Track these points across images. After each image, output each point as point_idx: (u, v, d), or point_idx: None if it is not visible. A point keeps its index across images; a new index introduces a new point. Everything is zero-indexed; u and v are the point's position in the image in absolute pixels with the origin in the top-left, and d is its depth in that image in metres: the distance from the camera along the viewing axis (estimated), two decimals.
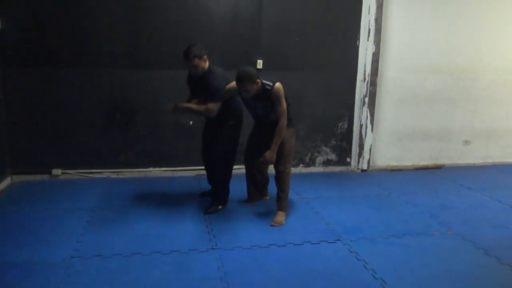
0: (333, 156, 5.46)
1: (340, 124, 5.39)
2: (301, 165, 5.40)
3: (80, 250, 3.14)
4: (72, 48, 4.56)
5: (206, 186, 4.47)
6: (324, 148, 5.41)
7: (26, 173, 4.72)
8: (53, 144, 4.72)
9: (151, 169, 4.98)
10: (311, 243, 3.36)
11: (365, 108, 5.32)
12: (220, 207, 3.96)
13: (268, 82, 3.49)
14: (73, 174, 4.82)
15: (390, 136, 5.57)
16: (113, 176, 4.90)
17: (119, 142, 4.86)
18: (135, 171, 4.95)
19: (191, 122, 3.90)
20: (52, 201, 4.13)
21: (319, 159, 5.44)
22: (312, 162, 5.43)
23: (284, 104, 3.50)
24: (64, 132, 4.72)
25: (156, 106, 4.80)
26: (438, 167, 5.74)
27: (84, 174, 4.84)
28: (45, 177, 4.77)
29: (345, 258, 3.15)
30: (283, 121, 3.49)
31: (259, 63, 4.92)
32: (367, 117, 5.33)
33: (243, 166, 4.14)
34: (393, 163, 5.66)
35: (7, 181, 4.58)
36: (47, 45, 4.51)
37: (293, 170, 5.31)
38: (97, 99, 4.73)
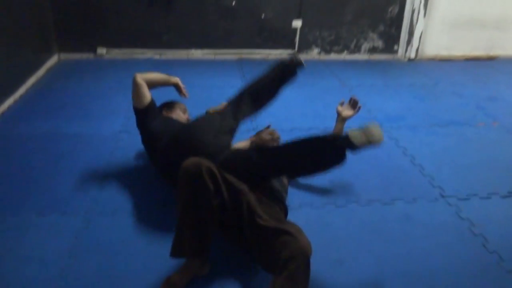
0: (379, 43, 5.23)
1: (390, 9, 5.06)
2: (345, 51, 5.23)
3: (128, 125, 3.28)
4: None
5: (247, 71, 4.44)
6: (371, 34, 5.16)
7: (72, 51, 4.81)
8: (97, 23, 4.72)
9: (192, 50, 4.95)
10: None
11: None
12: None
13: None
14: (117, 53, 4.87)
15: (442, 23, 5.22)
16: (156, 57, 4.92)
17: (161, 22, 4.79)
18: (177, 52, 4.93)
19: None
20: (99, 79, 4.25)
21: (365, 46, 5.22)
22: (357, 49, 5.24)
23: None
24: (108, 10, 4.68)
25: None
26: (490, 58, 5.42)
27: (128, 54, 4.89)
28: (90, 56, 4.85)
29: (385, 144, 3.11)
30: None
31: None
32: (420, 1, 4.96)
33: None
34: (443, 52, 5.38)
35: (54, 58, 4.70)
36: None
37: (337, 56, 5.19)
38: None
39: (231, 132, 2.43)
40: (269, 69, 2.63)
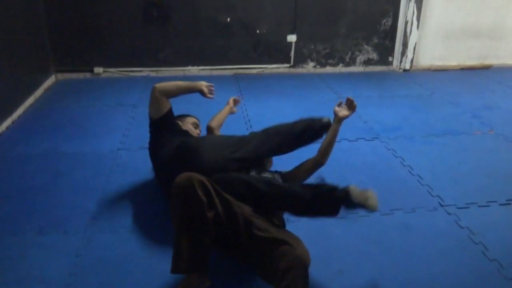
0: (374, 55, 5.29)
1: (384, 21, 5.13)
2: (340, 64, 5.28)
3: (126, 143, 3.30)
4: None
5: (244, 86, 4.49)
6: (365, 46, 5.22)
7: (69, 71, 4.85)
8: (93, 43, 4.77)
9: (189, 67, 5.00)
10: (349, 140, 3.39)
11: (412, 3, 5.00)
12: None
13: None
14: (114, 72, 4.91)
15: (436, 33, 5.28)
16: (153, 74, 4.96)
17: (157, 40, 4.84)
18: (173, 70, 4.98)
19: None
20: (96, 98, 4.27)
21: (360, 58, 5.28)
22: (352, 61, 5.29)
23: None
24: (104, 29, 4.73)
25: (192, 1, 4.68)
26: (485, 68, 5.48)
27: (125, 73, 4.93)
28: (87, 75, 4.89)
29: (382, 155, 3.19)
30: None
31: None
32: (413, 13, 5.04)
33: None
34: (438, 62, 5.43)
35: (52, 78, 4.73)
36: None
37: (333, 69, 5.25)
38: None
39: (241, 161, 2.31)
40: (298, 124, 2.47)
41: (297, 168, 2.49)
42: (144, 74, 4.94)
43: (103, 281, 1.96)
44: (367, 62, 5.31)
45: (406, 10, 5.06)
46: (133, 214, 2.45)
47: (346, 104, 2.47)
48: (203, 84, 2.64)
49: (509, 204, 2.59)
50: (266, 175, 2.32)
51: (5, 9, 3.74)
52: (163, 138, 2.45)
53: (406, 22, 5.11)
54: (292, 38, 5.02)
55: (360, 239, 2.27)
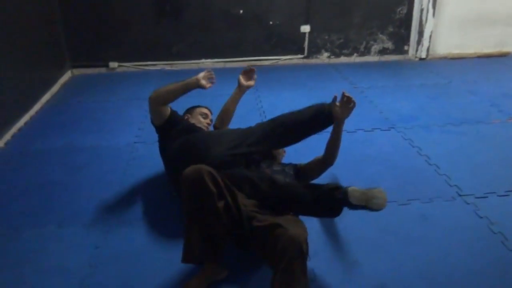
0: (389, 44, 5.22)
1: (399, 9, 5.05)
2: (355, 54, 5.22)
3: (142, 136, 3.33)
4: None
5: (258, 78, 4.47)
6: (380, 35, 5.15)
7: (84, 66, 4.89)
8: (108, 38, 4.81)
9: (203, 60, 5.00)
10: (365, 131, 3.36)
11: None
12: None
13: None
14: (129, 66, 4.94)
15: (452, 21, 5.18)
16: (167, 68, 4.98)
17: (170, 34, 4.86)
18: (187, 63, 4.98)
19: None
20: (112, 92, 4.31)
21: (375, 47, 5.21)
22: (367, 51, 5.23)
23: None
24: (118, 25, 4.76)
25: None
26: (503, 55, 5.36)
27: (139, 67, 4.95)
28: (102, 70, 4.93)
29: (399, 145, 3.16)
30: None
31: None
32: (429, 0, 4.95)
33: None
34: (454, 51, 5.33)
35: (68, 74, 4.78)
36: None
37: (347, 59, 5.20)
38: None
39: (247, 155, 2.29)
40: (306, 111, 2.31)
41: (309, 164, 2.43)
42: (158, 68, 4.96)
43: (121, 273, 1.98)
44: (382, 51, 5.24)
45: None
46: (150, 207, 2.47)
47: (343, 100, 2.15)
48: (199, 78, 2.40)
49: None
50: (277, 168, 2.30)
51: (20, 6, 3.79)
52: (169, 138, 2.45)
53: (422, 10, 5.02)
54: (305, 28, 4.98)
55: (376, 229, 2.25)
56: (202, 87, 2.41)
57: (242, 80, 2.77)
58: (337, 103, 2.18)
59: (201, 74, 2.43)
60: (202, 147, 2.24)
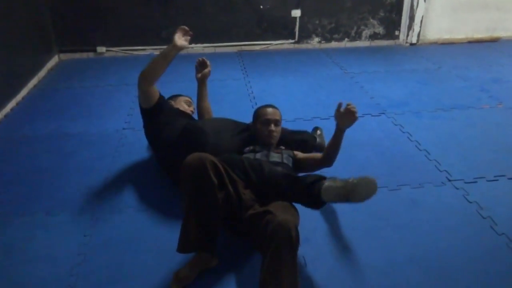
0: (380, 29, 5.19)
1: None
2: (346, 39, 5.19)
3: (131, 122, 3.28)
4: None
5: (248, 63, 4.43)
6: (371, 20, 5.12)
7: (72, 51, 4.81)
8: (96, 22, 4.71)
9: (193, 45, 4.94)
10: None
11: None
12: None
13: None
14: (117, 51, 4.87)
15: (443, 6, 5.16)
16: (156, 53, 4.90)
17: (160, 18, 4.78)
18: None
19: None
20: (100, 78, 4.25)
21: (366, 32, 5.18)
22: (358, 36, 5.20)
23: None
24: (106, 8, 4.67)
25: None
26: (493, 40, 5.37)
27: (128, 52, 4.88)
28: (90, 54, 4.85)
29: (389, 130, 3.16)
30: None
31: None
32: None
33: None
34: (445, 36, 5.33)
35: (55, 59, 4.70)
36: None
37: (338, 44, 5.17)
38: None
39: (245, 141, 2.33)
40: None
41: (307, 159, 2.37)
42: (147, 52, 4.89)
43: (111, 261, 1.97)
44: (373, 36, 5.22)
45: None
46: (139, 194, 2.45)
47: (346, 111, 2.10)
48: (176, 40, 2.34)
49: None
50: (274, 156, 2.27)
51: None
52: (161, 123, 2.43)
53: None
54: (296, 13, 4.92)
55: (367, 215, 2.26)
56: (181, 47, 2.36)
57: (197, 74, 2.81)
58: (341, 110, 2.12)
59: (176, 35, 2.38)
60: (204, 132, 2.24)
